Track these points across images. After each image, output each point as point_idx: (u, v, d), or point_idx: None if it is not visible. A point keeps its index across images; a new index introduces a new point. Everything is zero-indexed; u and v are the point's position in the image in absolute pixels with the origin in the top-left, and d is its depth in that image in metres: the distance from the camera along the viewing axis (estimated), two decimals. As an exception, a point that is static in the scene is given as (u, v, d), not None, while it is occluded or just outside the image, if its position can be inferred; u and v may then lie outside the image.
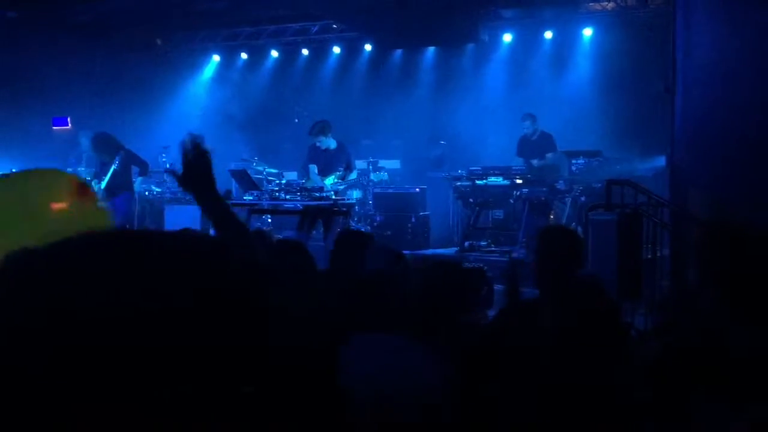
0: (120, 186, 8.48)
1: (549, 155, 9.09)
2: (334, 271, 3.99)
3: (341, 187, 8.52)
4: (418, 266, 2.74)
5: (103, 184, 8.43)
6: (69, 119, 12.14)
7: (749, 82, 5.35)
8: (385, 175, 10.11)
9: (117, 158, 8.38)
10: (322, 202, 7.58)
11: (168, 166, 10.60)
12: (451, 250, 8.79)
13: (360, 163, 9.93)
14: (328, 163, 8.58)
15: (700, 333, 1.94)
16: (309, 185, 8.17)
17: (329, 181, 8.52)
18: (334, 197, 7.74)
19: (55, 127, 12.22)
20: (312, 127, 8.64)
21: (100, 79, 11.56)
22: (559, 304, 2.33)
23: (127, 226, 9.01)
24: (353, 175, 8.82)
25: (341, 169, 8.57)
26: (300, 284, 2.65)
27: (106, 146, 8.48)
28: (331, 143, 8.46)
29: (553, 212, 8.55)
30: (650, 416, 1.72)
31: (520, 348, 1.89)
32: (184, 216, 9.86)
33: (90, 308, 0.74)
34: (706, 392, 1.68)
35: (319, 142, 8.41)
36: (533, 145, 9.24)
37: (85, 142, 11.08)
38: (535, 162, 8.98)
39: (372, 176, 9.92)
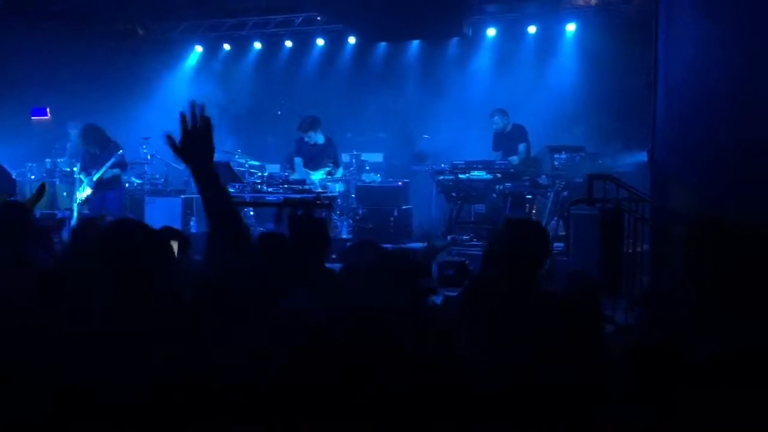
0: (112, 180, 8.45)
1: (521, 146, 9.15)
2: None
3: (329, 183, 8.55)
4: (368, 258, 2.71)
5: (96, 177, 8.34)
6: (48, 109, 11.99)
7: (730, 78, 5.38)
8: (377, 177, 10.06)
9: (117, 152, 8.35)
10: (305, 195, 7.57)
11: (149, 157, 10.52)
12: (433, 244, 8.80)
13: (343, 156, 9.91)
14: (315, 157, 8.57)
15: (683, 330, 1.94)
16: (292, 178, 8.15)
17: (318, 176, 8.53)
18: (317, 190, 7.75)
19: (33, 117, 12.07)
20: (302, 122, 8.67)
21: (80, 69, 11.40)
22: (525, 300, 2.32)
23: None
24: (340, 173, 8.86)
25: (330, 164, 8.60)
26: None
27: (96, 138, 8.42)
28: (320, 138, 8.51)
29: (535, 207, 8.59)
30: (623, 414, 1.72)
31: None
32: (164, 208, 9.79)
33: None
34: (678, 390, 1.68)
35: (308, 137, 8.46)
36: (507, 139, 9.30)
37: (74, 133, 10.97)
38: (514, 159, 9.02)
39: (363, 176, 9.89)
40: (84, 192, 8.48)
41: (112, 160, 8.28)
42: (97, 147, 8.39)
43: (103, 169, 8.31)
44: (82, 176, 8.54)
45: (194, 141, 2.05)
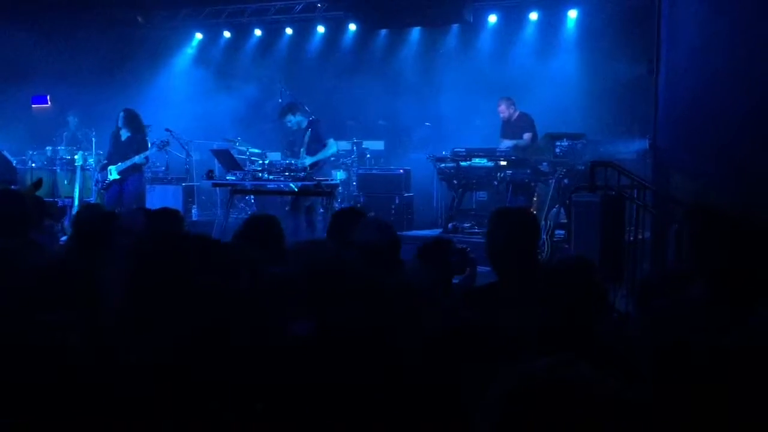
0: (133, 168, 8.45)
1: (526, 135, 9.10)
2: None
3: (309, 161, 8.13)
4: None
5: (122, 166, 8.35)
6: (48, 97, 11.97)
7: (734, 62, 5.35)
8: (381, 144, 9.87)
9: (159, 140, 8.56)
10: (306, 182, 7.55)
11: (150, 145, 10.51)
12: (434, 232, 8.80)
13: (344, 144, 9.85)
14: (301, 141, 8.48)
15: (696, 326, 1.90)
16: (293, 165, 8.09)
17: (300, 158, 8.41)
18: (316, 177, 7.70)
19: (34, 105, 12.04)
20: (279, 110, 8.63)
21: (80, 56, 11.36)
22: (525, 291, 2.30)
23: (135, 206, 8.92)
24: (330, 150, 8.41)
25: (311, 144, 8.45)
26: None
27: (138, 122, 8.56)
28: (302, 122, 8.32)
29: (536, 194, 8.57)
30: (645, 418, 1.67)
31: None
32: (165, 195, 9.79)
33: None
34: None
35: (289, 122, 8.33)
36: (513, 126, 9.26)
37: (72, 121, 10.95)
38: (508, 142, 8.97)
39: (365, 143, 9.78)
40: (110, 178, 8.47)
41: (154, 150, 8.53)
42: (137, 132, 8.50)
43: (151, 150, 8.53)
44: (111, 167, 8.48)
45: None
